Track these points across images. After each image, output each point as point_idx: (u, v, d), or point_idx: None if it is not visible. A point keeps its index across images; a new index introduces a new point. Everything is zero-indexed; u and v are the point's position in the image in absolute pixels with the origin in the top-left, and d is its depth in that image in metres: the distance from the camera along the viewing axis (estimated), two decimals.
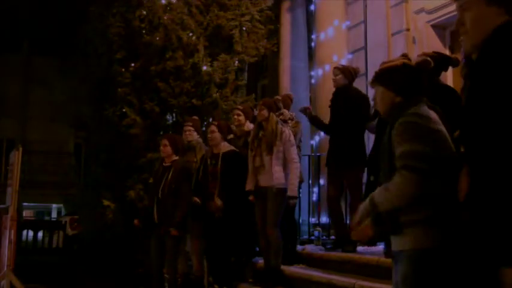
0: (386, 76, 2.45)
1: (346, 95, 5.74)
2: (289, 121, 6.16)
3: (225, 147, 5.79)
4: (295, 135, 5.76)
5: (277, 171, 5.36)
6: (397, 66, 2.45)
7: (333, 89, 5.97)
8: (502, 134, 1.68)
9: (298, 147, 6.14)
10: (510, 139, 1.66)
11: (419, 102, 2.34)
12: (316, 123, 6.15)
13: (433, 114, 2.29)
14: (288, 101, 6.49)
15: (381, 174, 2.41)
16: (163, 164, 5.86)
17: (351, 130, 5.61)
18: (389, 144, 2.31)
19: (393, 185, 2.19)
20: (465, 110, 1.88)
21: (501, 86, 1.69)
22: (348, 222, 5.86)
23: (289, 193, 5.33)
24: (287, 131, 5.46)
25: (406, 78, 2.42)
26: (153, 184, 5.91)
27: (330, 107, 5.96)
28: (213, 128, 5.81)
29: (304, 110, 6.08)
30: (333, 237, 6.88)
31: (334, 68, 6.03)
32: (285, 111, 6.26)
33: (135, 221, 5.91)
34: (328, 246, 6.02)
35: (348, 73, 5.80)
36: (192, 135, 6.29)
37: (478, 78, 1.81)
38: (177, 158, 5.85)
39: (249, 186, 5.52)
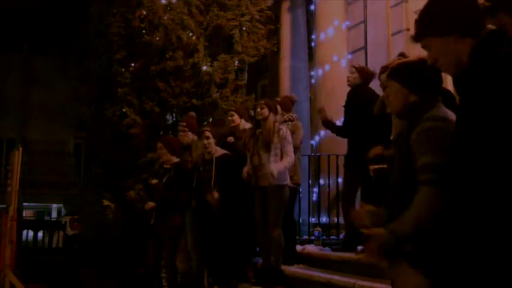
0: (402, 72, 2.31)
1: (360, 96, 5.68)
2: (289, 122, 6.14)
3: (218, 151, 5.80)
4: (292, 134, 5.77)
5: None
6: (414, 62, 2.32)
7: (334, 90, 5.98)
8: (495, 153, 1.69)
9: (298, 148, 6.10)
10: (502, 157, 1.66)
11: (437, 103, 2.22)
12: (329, 126, 6.10)
13: (452, 116, 2.14)
14: (288, 103, 6.36)
15: (393, 177, 2.30)
16: (164, 166, 5.94)
17: (367, 128, 5.54)
18: (407, 148, 2.18)
19: (418, 201, 2.05)
20: (457, 133, 1.89)
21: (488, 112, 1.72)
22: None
23: (270, 169, 5.18)
24: (284, 129, 5.47)
25: (423, 76, 2.26)
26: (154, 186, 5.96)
27: (344, 107, 5.92)
28: (208, 134, 5.81)
29: (320, 112, 6.05)
30: (333, 237, 6.90)
31: (352, 66, 6.01)
32: (283, 113, 6.22)
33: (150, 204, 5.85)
34: (334, 247, 5.99)
35: (363, 74, 5.72)
36: (186, 136, 6.19)
37: (467, 105, 1.85)
38: (177, 159, 5.90)
39: (246, 170, 5.49)
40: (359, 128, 5.52)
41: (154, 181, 5.77)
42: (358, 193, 5.64)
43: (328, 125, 6.04)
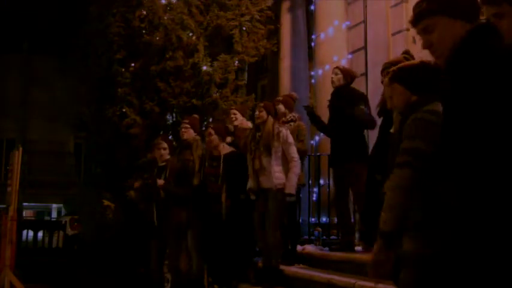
0: (404, 75, 2.44)
1: (344, 94, 5.75)
2: (291, 123, 6.13)
3: (225, 148, 5.81)
4: (298, 135, 5.79)
5: (277, 171, 5.36)
6: (416, 65, 2.44)
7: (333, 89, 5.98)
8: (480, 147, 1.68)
9: (305, 152, 6.16)
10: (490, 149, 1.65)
11: (435, 101, 2.29)
12: (315, 122, 6.12)
13: None
14: (290, 102, 6.34)
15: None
16: (158, 164, 5.97)
17: (351, 128, 5.60)
18: (401, 139, 2.29)
19: (390, 182, 2.17)
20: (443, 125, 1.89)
21: (468, 99, 1.71)
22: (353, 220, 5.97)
23: (286, 190, 5.33)
24: (284, 131, 5.46)
25: (424, 78, 2.39)
26: (151, 185, 5.99)
27: (328, 107, 5.96)
28: (210, 131, 5.82)
29: (307, 107, 6.14)
30: (333, 237, 6.89)
31: (335, 67, 6.06)
32: (287, 112, 6.24)
33: (160, 182, 5.85)
34: (333, 247, 6.00)
35: (347, 75, 5.84)
36: (188, 132, 6.19)
37: (449, 90, 1.84)
38: (169, 157, 5.97)
39: (251, 185, 5.52)
40: (343, 126, 5.59)
41: (161, 182, 5.80)
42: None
43: (314, 118, 6.01)
